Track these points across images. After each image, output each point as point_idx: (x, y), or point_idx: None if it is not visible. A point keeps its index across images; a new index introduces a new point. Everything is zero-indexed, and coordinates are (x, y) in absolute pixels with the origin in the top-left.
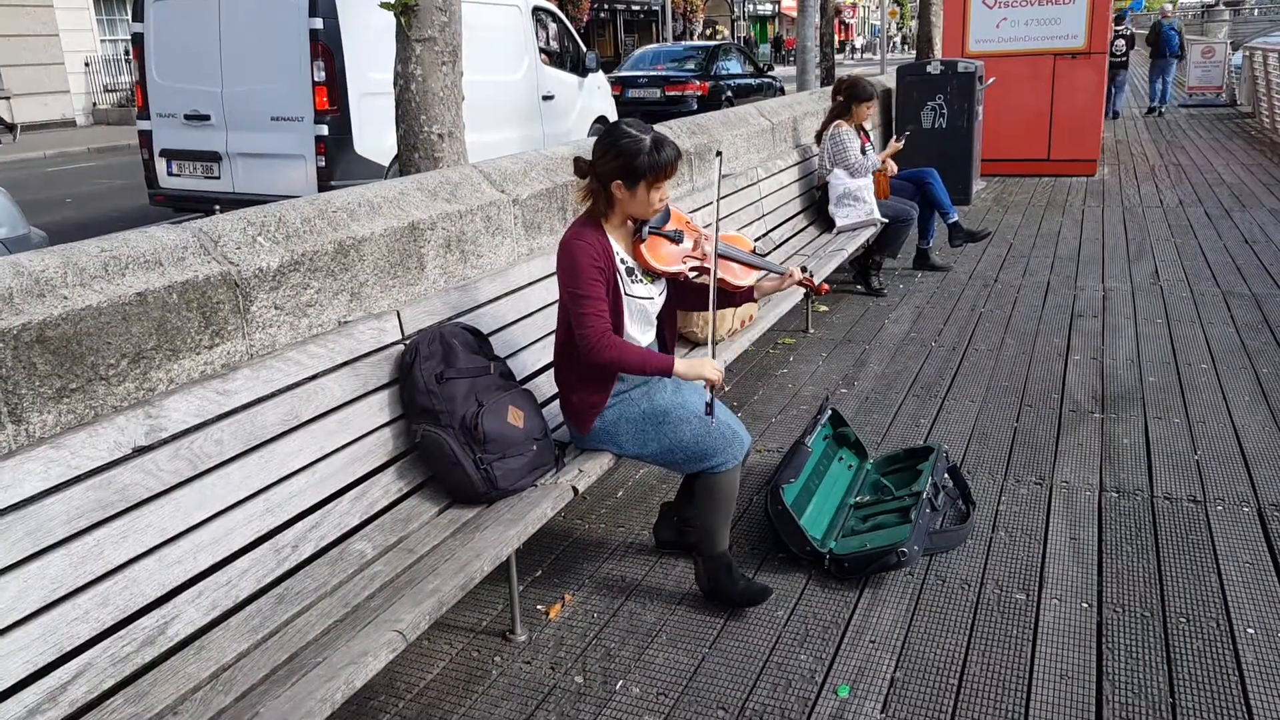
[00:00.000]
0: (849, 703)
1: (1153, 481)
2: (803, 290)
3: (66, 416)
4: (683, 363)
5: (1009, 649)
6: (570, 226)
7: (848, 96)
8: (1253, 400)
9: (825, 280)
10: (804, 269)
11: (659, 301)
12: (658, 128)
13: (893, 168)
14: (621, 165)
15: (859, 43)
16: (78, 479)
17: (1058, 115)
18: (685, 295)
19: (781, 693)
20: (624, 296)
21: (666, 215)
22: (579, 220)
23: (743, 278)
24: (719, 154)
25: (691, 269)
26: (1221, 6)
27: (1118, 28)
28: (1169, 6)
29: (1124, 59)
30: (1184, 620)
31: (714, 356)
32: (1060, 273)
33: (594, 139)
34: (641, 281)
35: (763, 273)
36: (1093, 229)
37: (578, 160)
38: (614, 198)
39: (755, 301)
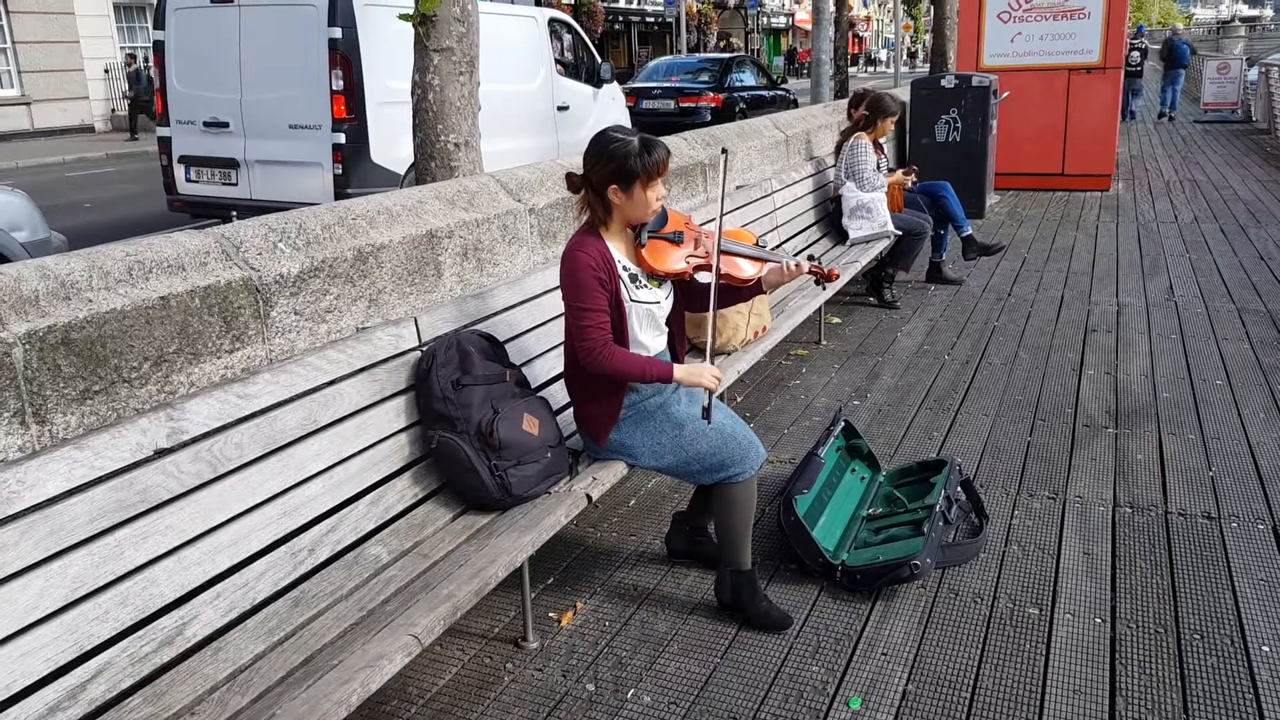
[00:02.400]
0: (861, 715)
1: (1167, 497)
2: (815, 280)
3: (89, 418)
4: (682, 368)
5: (1022, 663)
6: (571, 238)
7: (873, 111)
8: (1268, 417)
9: (835, 281)
10: (811, 258)
11: (666, 306)
12: (672, 138)
13: (908, 181)
14: (614, 169)
15: (883, 55)
16: (100, 480)
17: (1072, 130)
18: (692, 297)
19: (793, 704)
20: (630, 303)
21: (664, 218)
22: (578, 232)
23: (748, 271)
24: (724, 151)
25: (695, 268)
26: (1237, 22)
27: (1134, 41)
28: (1180, 25)
29: (1139, 69)
30: (1198, 637)
31: (711, 361)
32: (1074, 287)
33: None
34: (647, 286)
35: (768, 264)
36: (1107, 244)
37: (569, 175)
38: (611, 204)
39: (765, 294)
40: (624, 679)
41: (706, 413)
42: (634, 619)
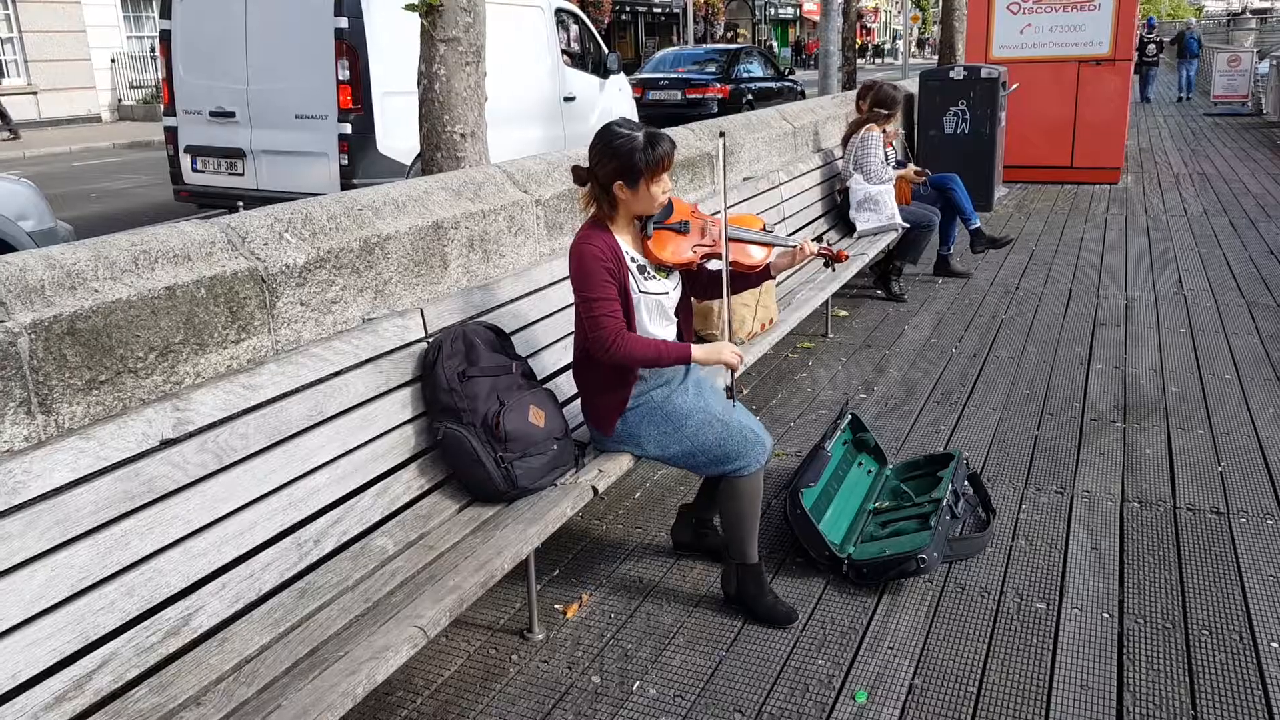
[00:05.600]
0: (867, 708)
1: (1175, 492)
2: (824, 262)
3: (95, 408)
4: (700, 348)
5: (1029, 658)
6: (578, 232)
7: (875, 104)
8: (1278, 412)
9: (844, 262)
10: (818, 239)
11: (675, 296)
12: (679, 130)
13: (911, 174)
14: (619, 166)
15: (900, 45)
16: (106, 470)
17: (1081, 122)
18: (699, 285)
19: (799, 697)
20: (639, 294)
21: (670, 208)
22: (585, 225)
23: (757, 256)
24: (721, 134)
25: (703, 256)
26: (1248, 15)
27: (1148, 35)
28: (1193, 20)
29: (1155, 60)
30: (1206, 633)
31: (730, 340)
32: (1082, 281)
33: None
34: (655, 277)
35: (777, 248)
36: (1116, 237)
37: (576, 169)
38: (617, 199)
39: (773, 278)
40: (629, 671)
41: (730, 393)
42: (639, 611)
